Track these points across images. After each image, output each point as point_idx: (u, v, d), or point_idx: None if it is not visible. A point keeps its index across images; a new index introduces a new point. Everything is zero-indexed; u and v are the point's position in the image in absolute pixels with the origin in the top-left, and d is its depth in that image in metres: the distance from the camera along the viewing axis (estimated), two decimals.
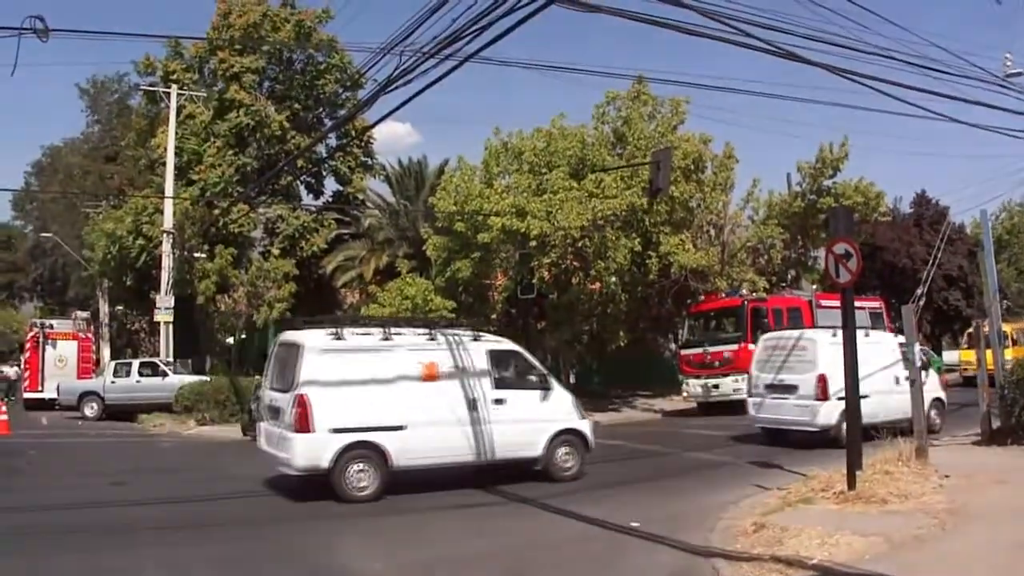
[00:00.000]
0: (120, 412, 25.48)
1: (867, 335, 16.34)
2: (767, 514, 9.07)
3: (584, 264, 25.29)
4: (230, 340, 32.66)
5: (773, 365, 15.97)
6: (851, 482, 9.70)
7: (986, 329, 15.30)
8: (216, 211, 29.58)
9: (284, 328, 12.98)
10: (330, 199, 37.26)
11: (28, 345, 31.47)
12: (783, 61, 10.19)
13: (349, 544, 9.00)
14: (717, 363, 23.45)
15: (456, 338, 12.20)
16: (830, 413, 14.36)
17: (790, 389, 15.28)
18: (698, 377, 24.05)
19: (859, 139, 65.17)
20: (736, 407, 22.51)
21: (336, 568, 8.06)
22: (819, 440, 14.65)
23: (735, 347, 23.07)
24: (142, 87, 34.48)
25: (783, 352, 15.82)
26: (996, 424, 13.75)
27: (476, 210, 24.42)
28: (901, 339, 16.40)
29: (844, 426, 14.29)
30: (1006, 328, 21.39)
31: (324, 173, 36.31)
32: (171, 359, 27.98)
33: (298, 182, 35.90)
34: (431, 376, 11.59)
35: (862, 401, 14.23)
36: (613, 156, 25.93)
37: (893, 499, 9.27)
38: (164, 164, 30.15)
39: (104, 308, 40.74)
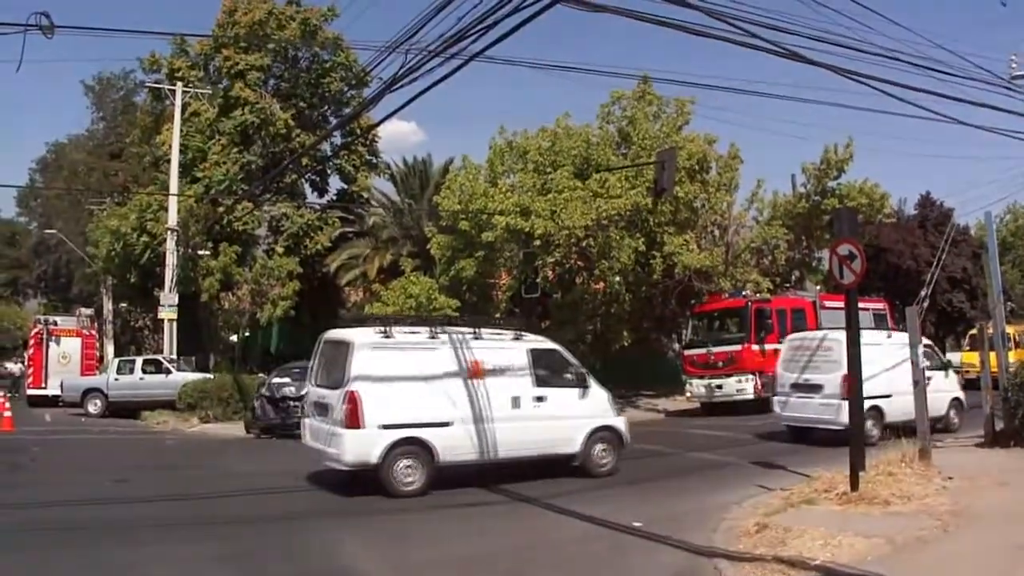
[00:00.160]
0: (123, 409, 25.55)
1: (889, 336, 16.50)
2: (770, 514, 9.06)
3: (588, 264, 25.30)
4: (234, 338, 32.71)
5: (798, 365, 16.21)
6: (854, 483, 9.69)
7: (990, 331, 15.27)
8: (220, 209, 29.60)
9: (331, 328, 13.20)
10: (334, 197, 37.32)
11: (32, 342, 31.60)
12: (788, 62, 10.17)
13: (350, 543, 8.99)
14: (720, 363, 23.44)
15: (498, 337, 12.58)
16: None
17: (815, 388, 15.44)
18: (701, 377, 24.04)
19: (864, 140, 65.16)
20: (739, 407, 22.56)
21: (336, 567, 8.06)
22: (843, 438, 14.70)
23: (738, 347, 23.06)
24: (147, 84, 34.55)
25: (808, 352, 16.05)
26: (999, 426, 13.74)
27: (480, 209, 24.45)
28: (925, 340, 16.89)
29: (868, 424, 14.73)
30: (1010, 330, 21.30)
31: (329, 171, 36.36)
32: (175, 356, 28.02)
33: (303, 180, 35.94)
34: (476, 374, 11.83)
35: (883, 401, 14.45)
36: (618, 156, 25.95)
37: (896, 500, 9.26)
38: (169, 161, 30.23)
39: (108, 305, 40.82)
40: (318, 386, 12.18)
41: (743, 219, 29.12)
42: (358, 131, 31.73)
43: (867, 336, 16.03)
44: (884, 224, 33.92)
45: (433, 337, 11.87)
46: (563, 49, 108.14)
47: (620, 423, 13.10)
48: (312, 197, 37.45)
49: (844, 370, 14.76)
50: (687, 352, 25.71)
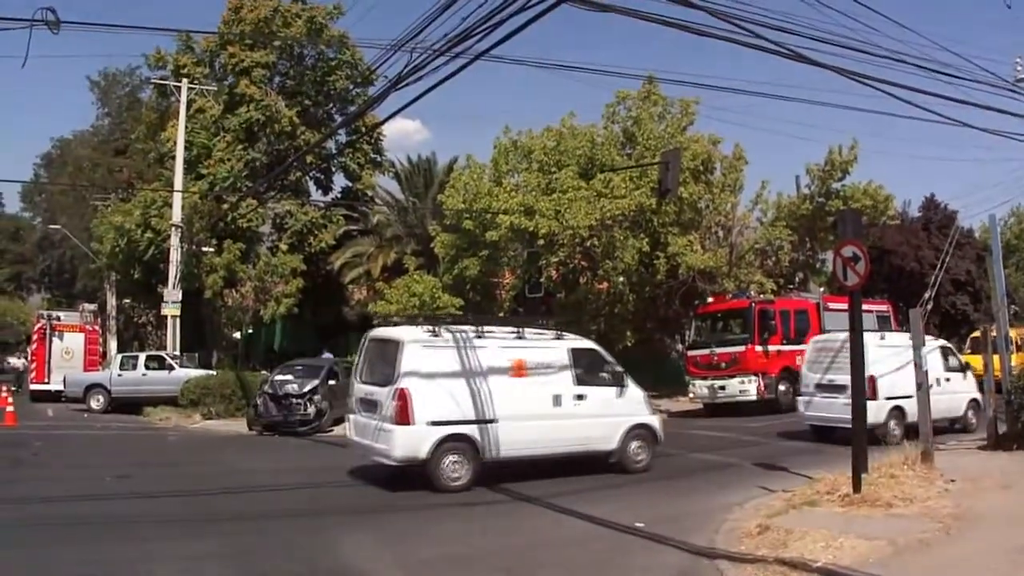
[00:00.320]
0: (126, 405, 25.55)
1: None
2: (772, 516, 9.06)
3: (592, 264, 25.30)
4: (237, 335, 32.79)
5: (822, 365, 16.41)
6: (856, 485, 9.68)
7: (993, 334, 15.26)
8: (225, 205, 29.66)
9: (378, 326, 13.66)
10: (339, 195, 37.40)
11: (35, 337, 31.59)
12: (793, 63, 10.16)
13: (351, 541, 8.98)
14: (724, 364, 23.39)
15: (540, 336, 12.89)
16: (878, 412, 14.75)
17: (840, 389, 15.48)
18: (705, 378, 23.99)
19: (868, 142, 65.18)
20: (742, 408, 22.54)
21: (336, 566, 8.06)
22: (867, 438, 14.77)
23: (742, 348, 23.01)
24: (153, 80, 34.70)
25: (832, 353, 16.19)
26: (1002, 429, 13.73)
27: (485, 208, 24.46)
28: (943, 343, 17.92)
29: (891, 424, 15.10)
30: (1013, 333, 21.25)
31: (333, 169, 36.43)
32: (177, 353, 28.02)
33: (307, 178, 36.03)
34: (519, 372, 12.09)
35: (906, 401, 14.51)
36: (622, 156, 25.95)
37: (898, 503, 9.26)
38: (173, 158, 30.24)
39: (111, 301, 40.84)
40: (364, 383, 12.38)
41: (747, 220, 29.08)
42: (363, 129, 31.79)
43: (890, 338, 16.25)
44: (888, 226, 33.86)
45: (479, 336, 12.07)
46: (568, 49, 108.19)
47: (655, 421, 13.48)
48: (316, 195, 37.61)
49: (868, 371, 14.96)
50: (690, 353, 25.68)
